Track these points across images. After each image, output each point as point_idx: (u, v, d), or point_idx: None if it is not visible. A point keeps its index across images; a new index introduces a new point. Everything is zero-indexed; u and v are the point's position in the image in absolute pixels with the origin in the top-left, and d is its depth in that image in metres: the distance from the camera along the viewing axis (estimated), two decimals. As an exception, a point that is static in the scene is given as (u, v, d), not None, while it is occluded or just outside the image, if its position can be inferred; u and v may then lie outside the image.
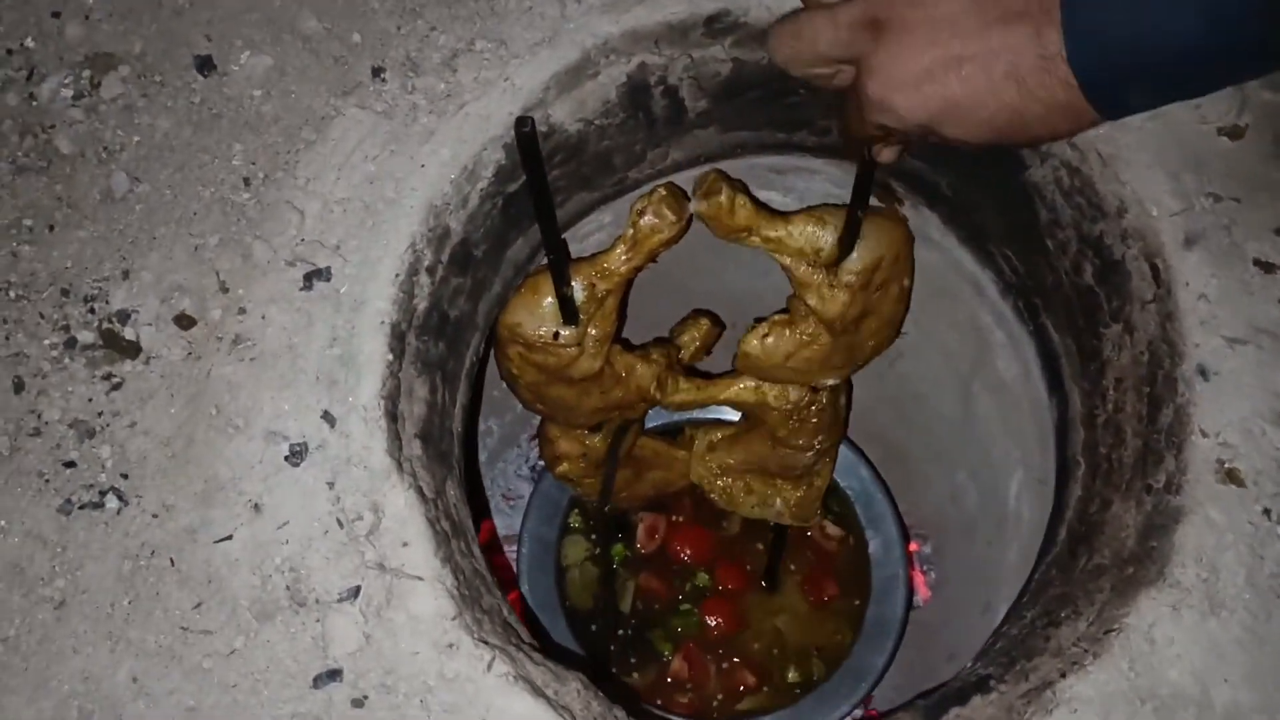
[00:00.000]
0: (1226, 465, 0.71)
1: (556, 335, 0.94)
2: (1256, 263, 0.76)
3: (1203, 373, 0.73)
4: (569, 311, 0.92)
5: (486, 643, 0.67)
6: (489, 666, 0.66)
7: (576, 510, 1.34)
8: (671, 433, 1.23)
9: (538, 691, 0.66)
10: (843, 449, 1.26)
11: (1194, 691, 0.67)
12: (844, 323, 0.98)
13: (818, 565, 1.33)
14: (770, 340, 1.01)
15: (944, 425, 1.26)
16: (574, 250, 0.95)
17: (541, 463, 1.26)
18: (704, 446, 1.22)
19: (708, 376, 1.11)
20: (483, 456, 1.45)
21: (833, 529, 1.33)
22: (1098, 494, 0.79)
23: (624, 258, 0.92)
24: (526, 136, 0.71)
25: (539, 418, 1.14)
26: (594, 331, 0.96)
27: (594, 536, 1.34)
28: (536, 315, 0.93)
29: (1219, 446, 0.72)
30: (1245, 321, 0.74)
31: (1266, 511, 0.70)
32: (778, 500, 1.19)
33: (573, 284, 0.91)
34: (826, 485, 1.17)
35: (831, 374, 1.05)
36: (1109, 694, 0.66)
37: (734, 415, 1.24)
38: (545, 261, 0.85)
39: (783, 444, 1.15)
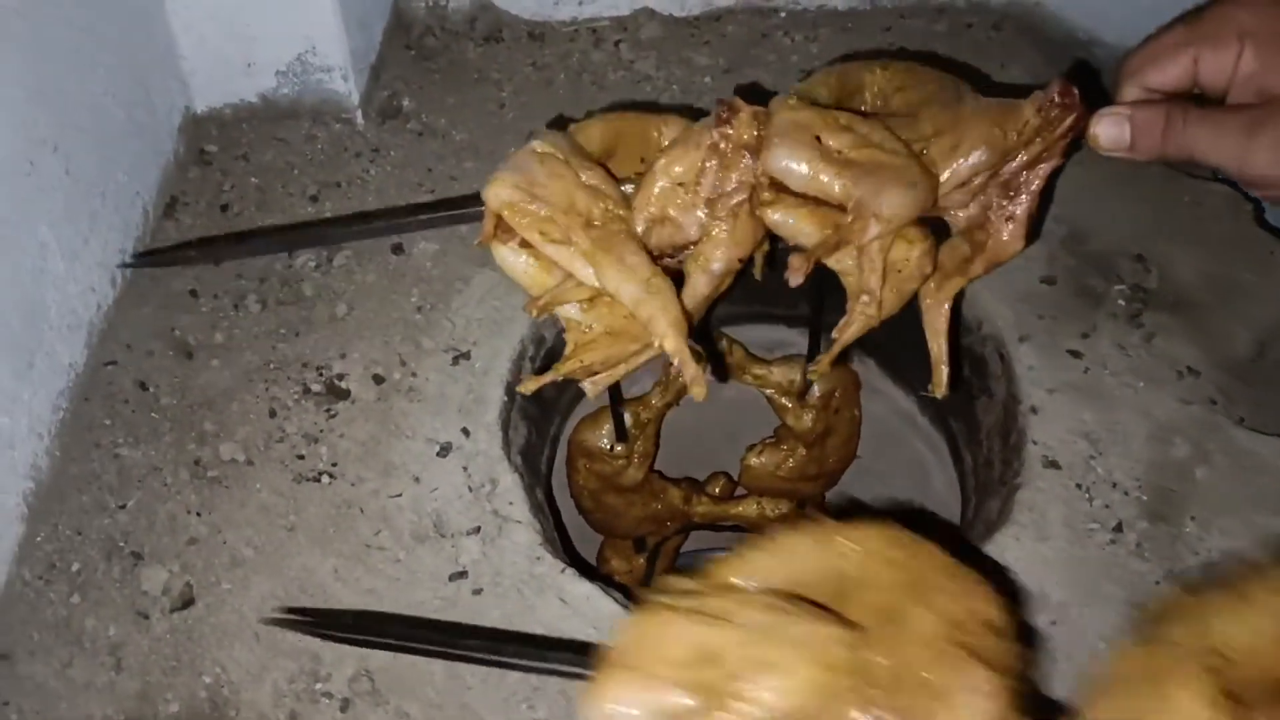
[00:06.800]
0: (1049, 459, 1.08)
1: (611, 448, 1.35)
2: (1068, 351, 1.17)
3: (1034, 410, 1.12)
4: (620, 431, 1.34)
5: (561, 559, 1.03)
6: (563, 570, 1.02)
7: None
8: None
9: (593, 582, 1.01)
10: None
11: (1031, 589, 0.99)
12: (812, 436, 1.37)
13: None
14: (764, 456, 1.40)
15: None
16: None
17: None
18: (722, 569, 1.56)
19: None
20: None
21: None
22: (981, 503, 1.15)
23: (659, 395, 1.36)
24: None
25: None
26: (639, 448, 1.37)
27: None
28: (597, 433, 1.35)
29: (1044, 449, 1.08)
30: (1058, 380, 1.14)
31: (1078, 485, 1.06)
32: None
33: (624, 413, 1.33)
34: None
35: (810, 485, 1.43)
36: (973, 587, 0.99)
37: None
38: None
39: (780, 555, 1.50)
